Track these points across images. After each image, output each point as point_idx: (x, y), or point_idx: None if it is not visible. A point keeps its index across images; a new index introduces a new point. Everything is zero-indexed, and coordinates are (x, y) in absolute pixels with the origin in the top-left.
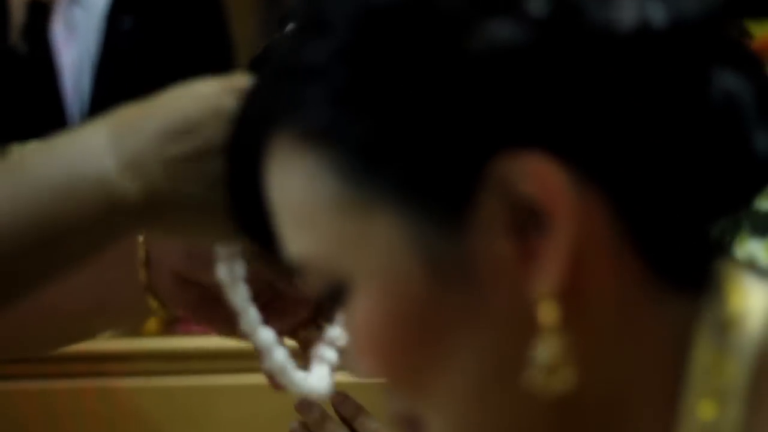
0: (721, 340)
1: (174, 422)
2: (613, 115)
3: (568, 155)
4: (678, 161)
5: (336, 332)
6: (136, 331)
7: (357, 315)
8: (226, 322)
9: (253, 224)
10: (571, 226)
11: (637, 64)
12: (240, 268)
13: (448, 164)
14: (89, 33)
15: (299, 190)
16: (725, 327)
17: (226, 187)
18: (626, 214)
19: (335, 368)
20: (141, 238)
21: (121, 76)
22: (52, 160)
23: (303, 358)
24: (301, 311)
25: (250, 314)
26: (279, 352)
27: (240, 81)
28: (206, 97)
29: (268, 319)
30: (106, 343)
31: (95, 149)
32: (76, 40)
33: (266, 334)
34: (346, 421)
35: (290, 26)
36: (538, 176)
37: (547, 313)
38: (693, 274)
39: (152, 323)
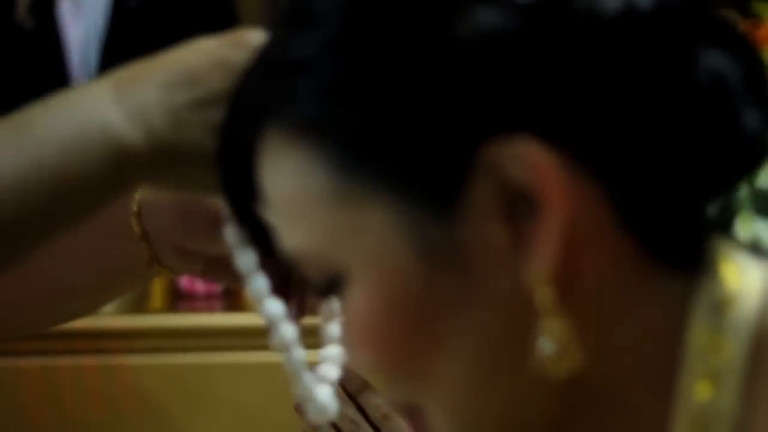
0: (716, 320)
1: (177, 400)
2: (602, 98)
3: (559, 139)
4: (668, 142)
5: (335, 350)
6: (140, 309)
7: (353, 306)
8: (238, 280)
9: (248, 217)
10: (563, 210)
11: (623, 46)
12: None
13: (438, 152)
14: (96, 8)
15: (291, 183)
16: (720, 307)
17: (220, 180)
18: (618, 196)
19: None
20: (134, 216)
21: (128, 52)
22: (56, 115)
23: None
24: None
25: (256, 282)
26: (287, 328)
27: (243, 35)
28: (209, 50)
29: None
30: (109, 320)
31: (100, 103)
32: (82, 16)
33: (274, 306)
34: (351, 397)
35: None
36: (528, 161)
37: (543, 296)
38: (687, 255)
39: (156, 300)
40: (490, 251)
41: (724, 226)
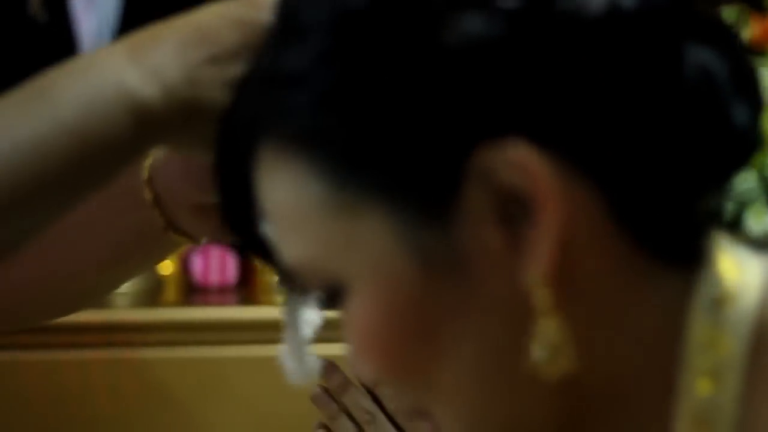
0: (715, 316)
1: (191, 393)
2: (591, 99)
3: (549, 142)
4: (658, 139)
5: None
6: (153, 302)
7: (354, 315)
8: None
9: (246, 230)
10: (557, 212)
11: (609, 46)
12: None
13: (430, 159)
14: (108, 2)
15: (287, 195)
16: (720, 303)
17: (217, 194)
18: (612, 195)
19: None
20: (145, 183)
21: None
22: (72, 79)
23: None
24: None
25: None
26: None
27: None
28: (224, 10)
29: None
30: (123, 314)
31: (114, 64)
32: (95, 9)
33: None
34: (367, 389)
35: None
36: (520, 165)
37: (541, 298)
38: (684, 251)
39: (170, 294)
40: (487, 255)
41: (735, 219)
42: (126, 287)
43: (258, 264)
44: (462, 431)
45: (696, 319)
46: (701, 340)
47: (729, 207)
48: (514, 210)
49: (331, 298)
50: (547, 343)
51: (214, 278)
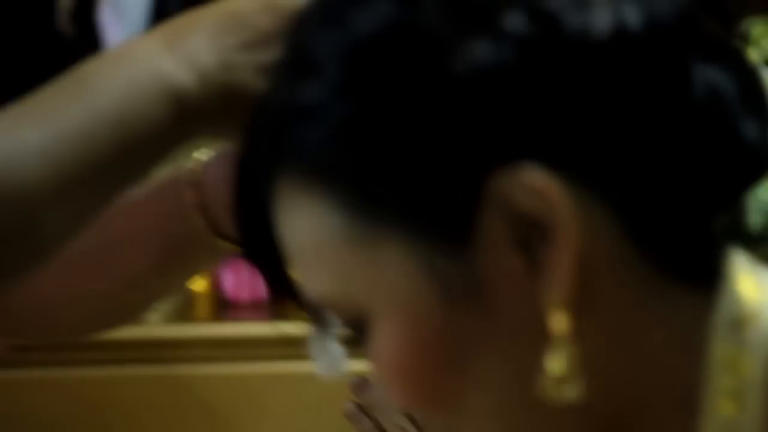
0: (736, 336)
1: (223, 409)
2: (601, 121)
3: (563, 165)
4: (670, 159)
5: None
6: (184, 318)
7: (379, 347)
8: None
9: (268, 265)
10: (574, 235)
11: (617, 67)
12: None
13: (446, 188)
14: (136, 16)
15: (307, 230)
16: (740, 323)
17: (238, 230)
18: (627, 217)
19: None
20: (188, 186)
21: None
22: (110, 68)
23: None
24: None
25: None
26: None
27: None
28: None
29: None
30: (154, 330)
31: (150, 53)
32: (123, 23)
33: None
34: None
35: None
36: (536, 189)
37: (559, 322)
38: (702, 271)
39: (201, 310)
40: (507, 280)
41: (732, 239)
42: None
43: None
44: None
45: (717, 339)
46: (723, 361)
47: (758, 219)
48: (531, 234)
49: (356, 330)
50: (555, 371)
51: (245, 294)
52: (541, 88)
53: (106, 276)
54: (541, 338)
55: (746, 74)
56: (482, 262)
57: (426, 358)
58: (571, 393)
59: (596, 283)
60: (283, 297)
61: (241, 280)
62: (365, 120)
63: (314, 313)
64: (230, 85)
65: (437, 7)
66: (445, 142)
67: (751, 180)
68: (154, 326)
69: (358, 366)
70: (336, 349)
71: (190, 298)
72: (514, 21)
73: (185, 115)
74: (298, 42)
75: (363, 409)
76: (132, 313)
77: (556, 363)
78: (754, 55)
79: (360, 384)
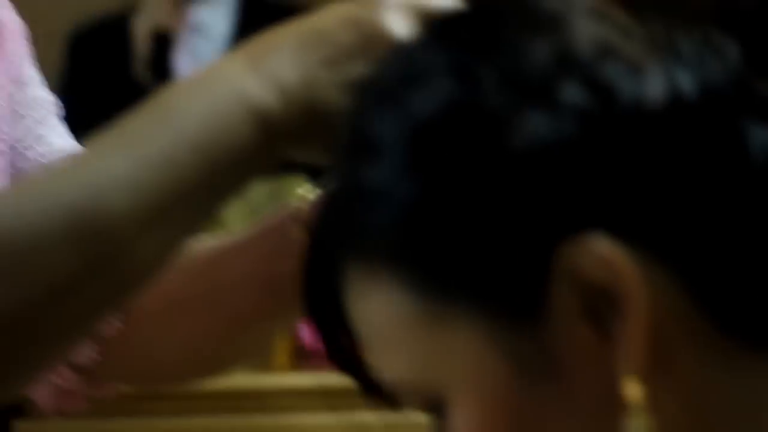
0: None
1: None
2: (661, 189)
3: (628, 233)
4: (731, 223)
5: None
6: (263, 367)
7: (456, 426)
8: None
9: (342, 353)
10: (644, 304)
11: (673, 134)
12: None
13: (514, 263)
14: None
15: (378, 314)
16: None
17: (309, 314)
18: (693, 283)
19: None
20: (295, 222)
21: None
22: (193, 91)
23: None
24: None
25: None
26: None
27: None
28: (339, 11)
29: None
30: (233, 380)
31: (234, 73)
32: (200, 69)
33: None
34: None
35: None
36: (604, 260)
37: (632, 390)
38: None
39: (280, 359)
40: (578, 351)
41: None
42: None
43: None
44: None
45: None
46: None
47: None
48: (601, 304)
49: (432, 412)
50: None
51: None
52: (600, 158)
53: (214, 318)
54: (614, 407)
55: None
56: (553, 335)
57: None
58: None
59: (667, 350)
60: (356, 381)
61: None
62: (430, 201)
63: (386, 399)
64: (313, 103)
65: (495, 82)
66: (510, 218)
67: None
68: (232, 376)
69: None
70: None
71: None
72: (570, 93)
73: (269, 135)
74: (359, 124)
75: None
76: (238, 358)
77: (634, 430)
78: None
79: None
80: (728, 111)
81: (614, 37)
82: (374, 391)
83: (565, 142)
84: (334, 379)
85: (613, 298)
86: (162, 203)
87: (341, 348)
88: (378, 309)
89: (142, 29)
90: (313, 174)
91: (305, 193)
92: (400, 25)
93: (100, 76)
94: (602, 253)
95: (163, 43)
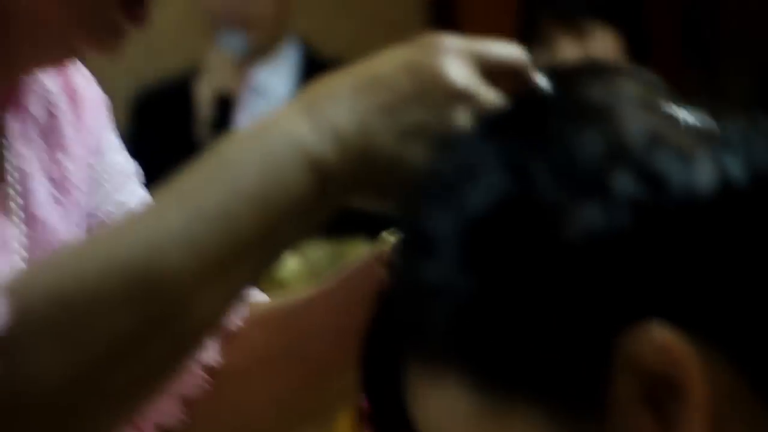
0: None
1: None
2: (715, 275)
3: (685, 321)
4: None
5: None
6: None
7: None
8: None
9: None
10: (704, 391)
11: (725, 221)
12: None
13: (574, 354)
14: None
15: (440, 411)
16: None
17: (369, 406)
18: (751, 369)
19: None
20: (382, 265)
21: None
22: (249, 143)
23: None
24: None
25: None
26: None
27: (432, 37)
28: (397, 55)
29: None
30: None
31: (290, 122)
32: None
33: None
34: None
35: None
36: (663, 348)
37: None
38: None
39: (343, 425)
40: None
41: None
42: None
43: None
44: None
45: None
46: None
47: None
48: (660, 392)
49: None
50: None
51: None
52: (654, 247)
53: (301, 370)
54: None
55: None
56: (613, 422)
57: None
58: None
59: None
60: None
61: None
62: (487, 296)
63: None
64: (369, 150)
65: (548, 176)
66: (568, 310)
67: None
68: None
69: None
70: None
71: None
72: (623, 183)
73: (326, 183)
74: (415, 222)
75: None
76: (324, 412)
77: None
78: None
79: None
80: None
81: (662, 126)
82: None
83: (619, 232)
84: None
85: (672, 385)
86: (220, 257)
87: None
88: (439, 406)
89: (204, 92)
90: (374, 230)
91: (394, 237)
92: (458, 71)
93: (164, 139)
94: (661, 341)
95: (224, 106)
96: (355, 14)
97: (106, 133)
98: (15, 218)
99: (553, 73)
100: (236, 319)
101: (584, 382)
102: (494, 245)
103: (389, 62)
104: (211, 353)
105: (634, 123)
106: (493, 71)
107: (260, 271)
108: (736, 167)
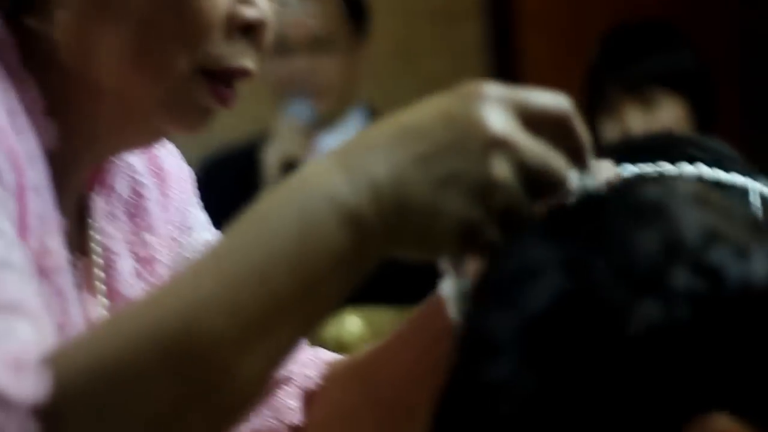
0: None
1: None
2: None
3: (745, 410)
4: None
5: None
6: None
7: None
8: None
9: None
10: None
11: None
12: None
13: None
14: None
15: None
16: None
17: None
18: None
19: None
20: (441, 311)
21: None
22: (284, 202)
23: None
24: None
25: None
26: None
27: (471, 87)
28: (435, 104)
29: None
30: None
31: (326, 175)
32: None
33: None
34: None
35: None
36: None
37: None
38: None
39: None
40: None
41: None
42: None
43: None
44: None
45: None
46: None
47: None
48: None
49: None
50: None
51: None
52: (713, 339)
53: (377, 414)
54: None
55: None
56: None
57: None
58: None
59: None
60: None
61: None
62: (550, 393)
63: None
64: (404, 199)
65: (607, 274)
66: (632, 404)
67: None
68: None
69: None
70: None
71: None
72: (681, 278)
73: (363, 236)
74: (476, 324)
75: None
76: None
77: None
78: None
79: None
80: None
81: (718, 222)
82: None
83: (679, 326)
84: None
85: None
86: (260, 321)
87: None
88: None
89: (272, 159)
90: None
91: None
92: (497, 119)
93: (231, 204)
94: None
95: (291, 170)
96: (420, 76)
97: (194, 209)
98: (100, 296)
99: (622, 148)
100: (317, 378)
101: None
102: (555, 342)
103: (427, 111)
104: (296, 414)
105: (691, 220)
106: (535, 121)
107: (304, 332)
108: None
